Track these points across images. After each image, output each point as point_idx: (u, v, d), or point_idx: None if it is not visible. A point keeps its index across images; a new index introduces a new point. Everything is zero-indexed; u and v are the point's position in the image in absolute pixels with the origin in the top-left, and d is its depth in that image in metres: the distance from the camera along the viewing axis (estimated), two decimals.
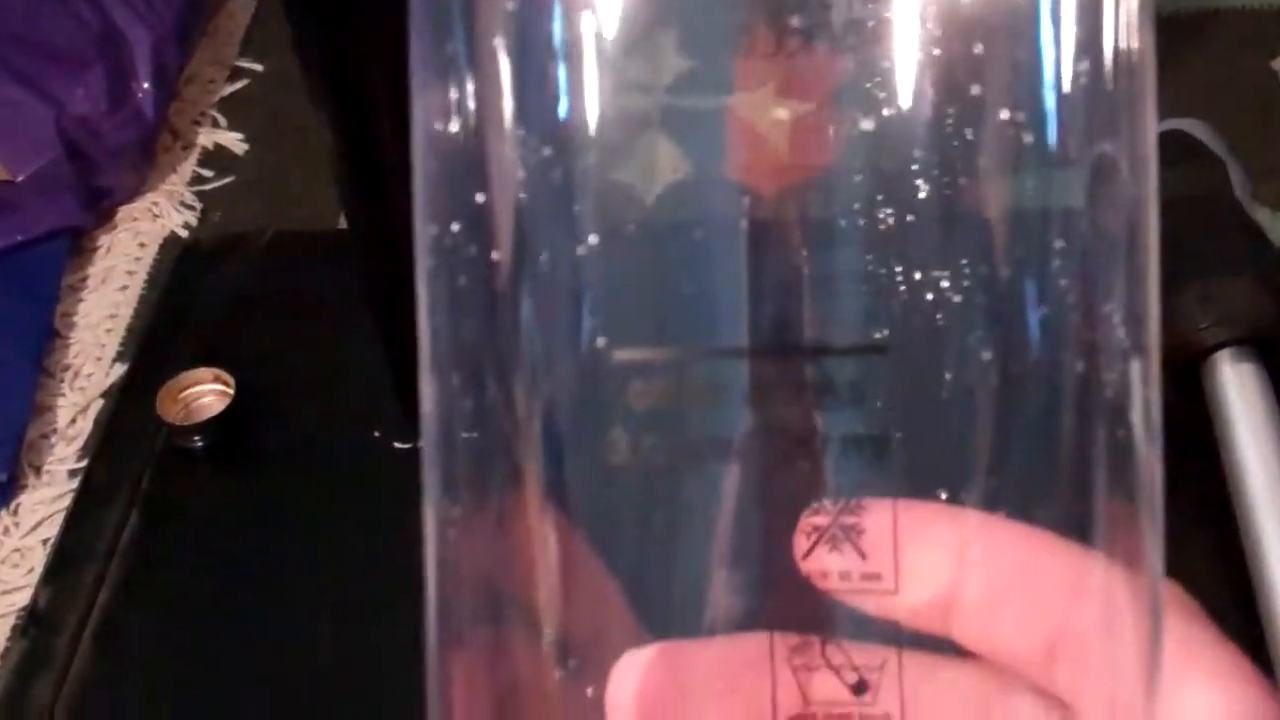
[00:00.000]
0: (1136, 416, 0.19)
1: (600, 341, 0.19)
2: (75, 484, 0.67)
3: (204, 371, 0.57)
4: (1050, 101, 0.18)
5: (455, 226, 0.19)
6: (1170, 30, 0.92)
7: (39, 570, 0.62)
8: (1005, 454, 0.19)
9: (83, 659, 0.50)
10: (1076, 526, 0.19)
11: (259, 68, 0.92)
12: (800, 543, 0.19)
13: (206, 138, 0.87)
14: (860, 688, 0.19)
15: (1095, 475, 0.19)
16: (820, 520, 0.19)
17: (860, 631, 0.19)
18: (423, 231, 0.20)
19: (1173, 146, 0.57)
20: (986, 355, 0.19)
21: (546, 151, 0.19)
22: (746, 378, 0.19)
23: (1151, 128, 0.19)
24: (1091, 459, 0.19)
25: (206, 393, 0.57)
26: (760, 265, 0.19)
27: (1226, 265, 0.51)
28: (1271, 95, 0.87)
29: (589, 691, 0.20)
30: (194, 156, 0.87)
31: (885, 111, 0.18)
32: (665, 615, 0.20)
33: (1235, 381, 0.50)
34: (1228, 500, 0.49)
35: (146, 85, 0.84)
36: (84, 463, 0.67)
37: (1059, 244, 0.19)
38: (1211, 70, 0.89)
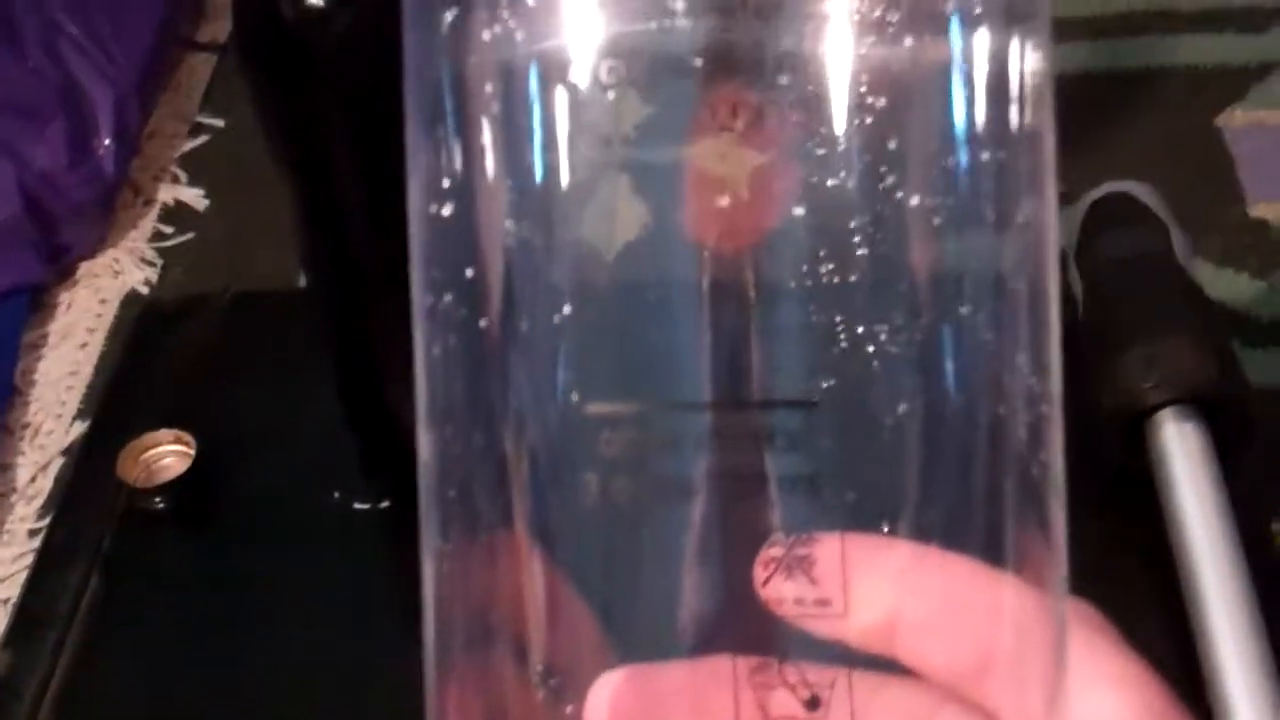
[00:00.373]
0: (1045, 455, 0.21)
1: (574, 396, 0.21)
2: (35, 543, 0.67)
3: (165, 433, 0.57)
4: (965, 177, 0.21)
5: (448, 297, 0.22)
6: (1112, 87, 0.94)
7: (1, 630, 0.62)
8: (934, 491, 0.21)
9: None
10: (995, 553, 0.21)
11: (220, 123, 0.93)
12: (759, 572, 0.21)
13: (167, 193, 0.88)
14: (813, 703, 0.21)
15: (1011, 508, 0.21)
16: (776, 552, 0.21)
17: (813, 653, 0.21)
18: (419, 300, 0.22)
19: (1116, 208, 0.59)
20: (916, 403, 0.21)
21: (526, 226, 0.21)
22: (705, 426, 0.21)
23: (1052, 196, 0.21)
24: (1007, 493, 0.21)
25: (167, 454, 0.57)
26: (717, 321, 0.21)
27: (1169, 327, 0.53)
28: (1214, 151, 0.89)
29: (568, 710, 0.22)
30: (155, 212, 0.87)
31: (829, 181, 0.21)
32: (636, 641, 0.22)
33: (1178, 440, 0.51)
34: (1171, 555, 0.51)
35: (108, 141, 0.85)
36: (44, 521, 0.67)
37: (977, 302, 0.21)
38: (1154, 127, 0.90)
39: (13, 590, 0.67)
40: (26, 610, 0.55)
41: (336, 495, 0.56)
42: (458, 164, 0.22)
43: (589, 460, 0.21)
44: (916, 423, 0.21)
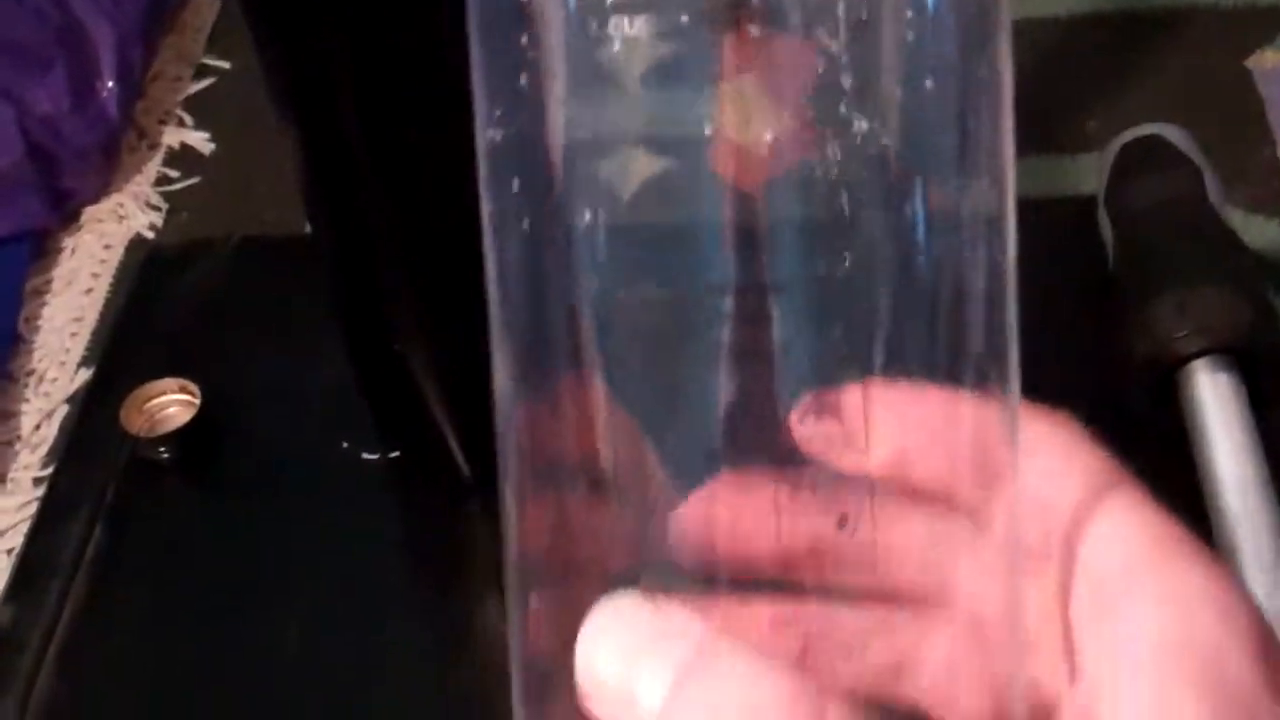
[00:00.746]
0: (1004, 312, 0.27)
1: (616, 277, 0.26)
2: (40, 492, 0.66)
3: (169, 382, 0.56)
4: (944, 94, 0.26)
5: (505, 207, 0.27)
6: (1140, 28, 0.92)
7: (3, 582, 0.61)
8: (924, 337, 0.26)
9: (47, 678, 0.50)
10: (967, 384, 0.26)
11: (226, 65, 0.91)
12: (794, 415, 0.25)
13: (172, 137, 0.86)
14: (842, 523, 0.26)
15: (981, 346, 0.27)
16: (807, 397, 0.26)
17: (840, 484, 0.26)
18: (485, 210, 0.27)
19: (1148, 151, 0.57)
20: (912, 270, 0.26)
21: (568, 148, 0.26)
22: (727, 300, 0.26)
23: (1009, 109, 0.27)
24: (979, 342, 0.27)
25: (172, 403, 0.56)
26: (737, 220, 0.26)
27: (1202, 274, 0.51)
28: (1244, 94, 0.87)
29: (632, 519, 0.26)
30: (160, 156, 0.86)
31: (839, 106, 0.25)
32: (686, 475, 0.26)
33: (1211, 390, 0.50)
34: (1204, 508, 0.49)
35: (110, 83, 0.83)
36: (49, 470, 0.66)
37: (952, 195, 0.26)
38: (1185, 69, 0.88)
39: (17, 540, 0.66)
40: (29, 562, 0.54)
41: (345, 445, 0.55)
42: (514, 84, 0.26)
43: (632, 324, 0.26)
44: (911, 286, 0.26)
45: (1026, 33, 0.93)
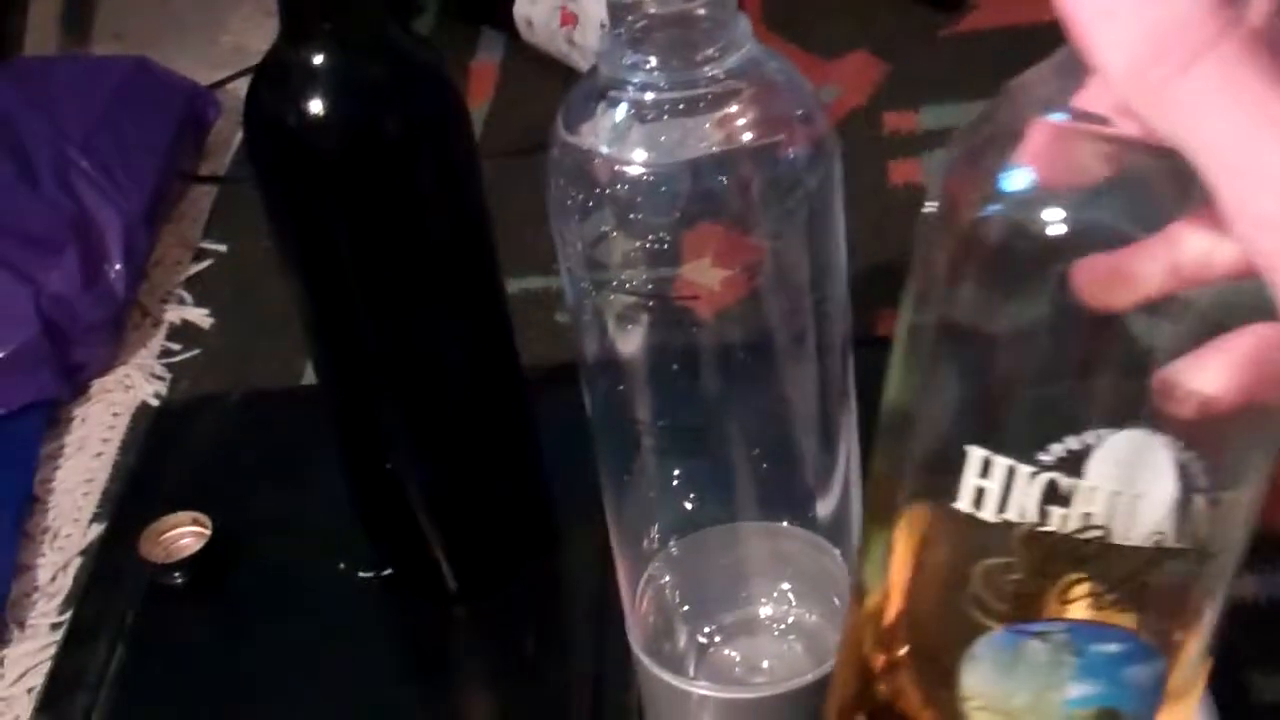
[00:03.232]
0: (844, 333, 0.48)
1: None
2: (57, 636, 0.71)
3: (183, 515, 0.61)
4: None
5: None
6: None
7: (25, 717, 0.65)
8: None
9: None
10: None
11: (223, 248, 0.98)
12: None
13: (174, 314, 0.93)
14: None
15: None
16: None
17: None
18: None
19: None
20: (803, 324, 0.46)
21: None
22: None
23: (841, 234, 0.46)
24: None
25: (186, 534, 0.61)
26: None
27: None
28: None
29: None
30: (163, 331, 0.92)
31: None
32: None
33: None
34: None
35: (118, 266, 0.90)
36: (65, 616, 0.71)
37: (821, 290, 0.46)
38: None
39: (37, 679, 0.71)
40: (57, 680, 0.58)
41: (341, 566, 0.61)
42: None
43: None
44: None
45: None
